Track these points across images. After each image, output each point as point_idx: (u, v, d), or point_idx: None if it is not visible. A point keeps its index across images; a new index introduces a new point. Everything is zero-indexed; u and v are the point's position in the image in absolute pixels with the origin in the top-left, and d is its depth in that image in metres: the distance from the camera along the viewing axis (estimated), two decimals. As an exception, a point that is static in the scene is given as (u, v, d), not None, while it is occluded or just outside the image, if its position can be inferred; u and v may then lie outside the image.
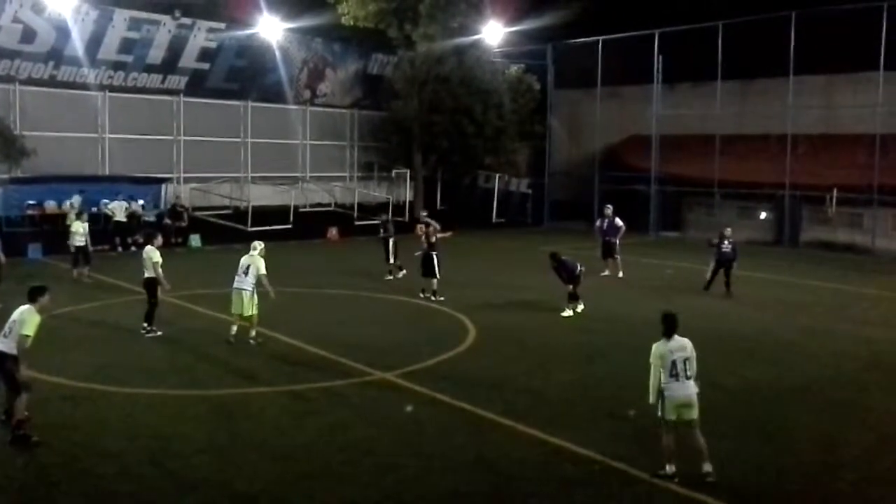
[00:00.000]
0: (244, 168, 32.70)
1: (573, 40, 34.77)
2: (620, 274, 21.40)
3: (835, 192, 28.16)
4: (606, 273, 21.43)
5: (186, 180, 30.83)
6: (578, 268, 16.48)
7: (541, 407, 10.55)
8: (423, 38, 32.10)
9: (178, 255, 22.69)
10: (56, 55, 27.54)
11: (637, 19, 31.62)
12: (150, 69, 29.97)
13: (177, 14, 29.59)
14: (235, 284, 13.55)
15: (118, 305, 16.84)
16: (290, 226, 29.21)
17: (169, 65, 30.33)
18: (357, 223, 31.26)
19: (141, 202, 26.86)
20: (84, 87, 28.40)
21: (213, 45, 31.02)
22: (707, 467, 8.07)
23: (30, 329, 8.92)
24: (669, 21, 30.83)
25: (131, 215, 25.81)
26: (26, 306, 9.20)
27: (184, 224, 27.24)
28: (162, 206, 28.29)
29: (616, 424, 9.83)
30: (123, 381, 11.25)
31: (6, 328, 9.14)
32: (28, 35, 26.72)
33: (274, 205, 31.04)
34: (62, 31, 27.08)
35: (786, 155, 29.02)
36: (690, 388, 8.16)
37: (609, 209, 22.64)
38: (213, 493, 7.83)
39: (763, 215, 31.67)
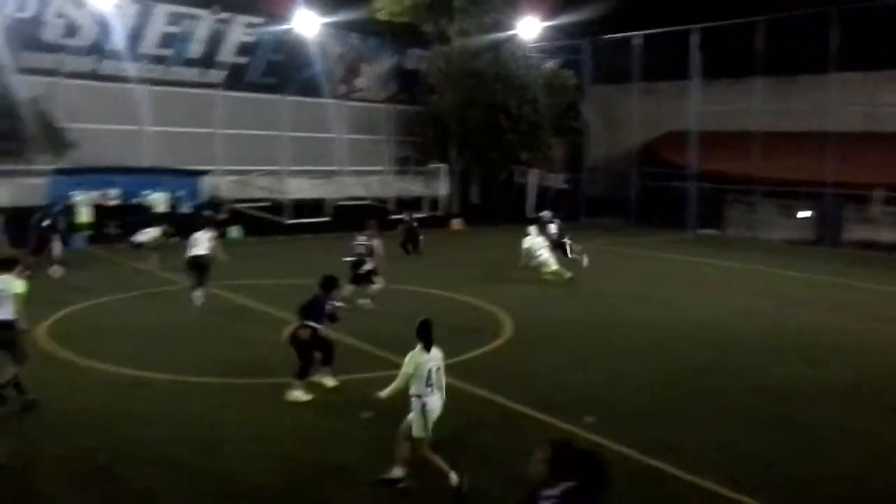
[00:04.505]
0: (282, 161, 33.01)
1: (609, 35, 34.53)
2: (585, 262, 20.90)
3: (881, 191, 27.64)
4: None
5: (225, 173, 31.22)
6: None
7: (578, 403, 10.53)
8: (458, 34, 32.13)
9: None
10: (98, 49, 28.07)
11: (674, 14, 31.29)
12: (189, 63, 30.44)
13: (215, 9, 29.97)
14: None
15: (160, 294, 17.13)
16: (327, 218, 29.43)
17: (208, 59, 30.76)
18: (394, 217, 31.36)
19: (180, 194, 27.29)
20: (125, 80, 28.88)
21: (251, 39, 31.38)
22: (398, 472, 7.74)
23: (20, 288, 9.59)
24: (707, 16, 30.45)
25: (171, 207, 26.23)
26: (4, 275, 9.65)
27: (223, 216, 27.59)
28: (201, 198, 28.70)
29: (650, 420, 9.78)
30: (167, 369, 11.42)
31: None
32: (71, 29, 27.26)
33: (311, 198, 31.34)
34: (104, 26, 27.59)
35: (827, 153, 28.55)
36: (441, 399, 7.75)
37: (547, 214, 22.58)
38: (255, 480, 7.95)
39: (804, 214, 31.20)
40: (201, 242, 15.58)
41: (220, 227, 27.13)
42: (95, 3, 26.58)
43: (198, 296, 15.39)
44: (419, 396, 7.61)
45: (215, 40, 30.51)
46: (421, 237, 23.52)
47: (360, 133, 35.65)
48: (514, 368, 12.16)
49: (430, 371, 7.67)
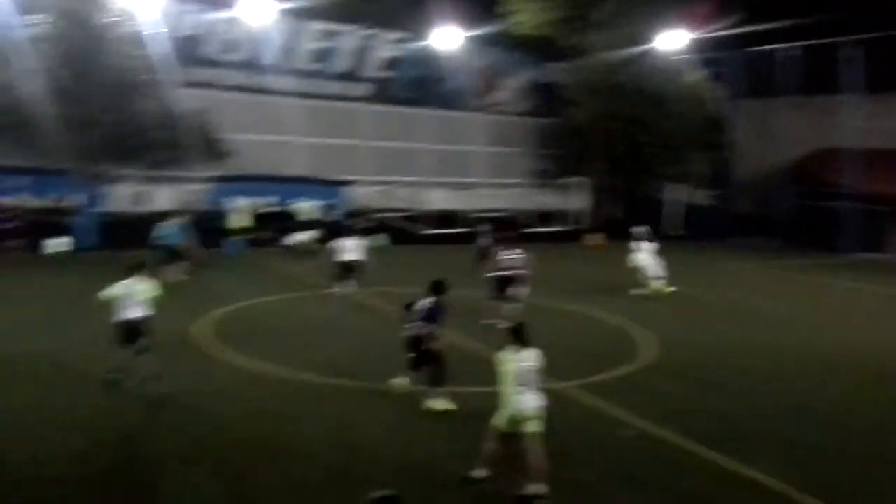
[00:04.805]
0: (422, 172, 33.70)
1: (758, 47, 33.08)
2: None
3: None
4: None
5: (369, 183, 32.24)
6: None
7: (724, 432, 10.09)
8: (598, 46, 31.80)
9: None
10: (254, 64, 29.72)
11: (830, 25, 29.55)
12: (338, 77, 31.70)
13: (363, 25, 31.08)
14: None
15: (309, 298, 17.85)
16: (465, 230, 29.78)
17: (355, 73, 31.95)
18: (530, 230, 31.41)
19: (328, 203, 28.46)
20: (278, 93, 30.41)
21: (395, 54, 32.32)
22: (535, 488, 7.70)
23: (152, 290, 10.99)
24: (867, 27, 28.56)
25: (319, 215, 27.39)
26: (132, 279, 10.92)
27: (366, 224, 28.50)
28: (346, 206, 29.77)
29: (798, 454, 9.24)
30: (314, 370, 11.86)
31: (131, 298, 10.80)
32: (230, 46, 29.02)
33: (449, 209, 31.84)
34: (260, 42, 29.21)
35: None
36: (538, 400, 7.89)
37: (643, 230, 20.99)
38: (393, 486, 8.07)
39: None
40: (352, 248, 17.07)
41: (364, 234, 28.18)
42: (252, 21, 28.16)
43: (344, 293, 16.59)
44: (508, 394, 7.85)
45: (362, 55, 31.67)
46: (492, 254, 21.63)
47: (497, 145, 35.87)
48: (654, 389, 11.82)
49: (521, 371, 7.88)
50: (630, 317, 16.73)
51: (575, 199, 35.57)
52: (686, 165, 34.41)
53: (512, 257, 15.49)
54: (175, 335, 13.55)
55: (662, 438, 9.68)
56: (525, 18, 31.72)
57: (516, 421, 7.86)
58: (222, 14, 27.98)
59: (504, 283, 15.26)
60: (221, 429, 9.48)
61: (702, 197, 36.54)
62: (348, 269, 17.03)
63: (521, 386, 7.85)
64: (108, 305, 10.77)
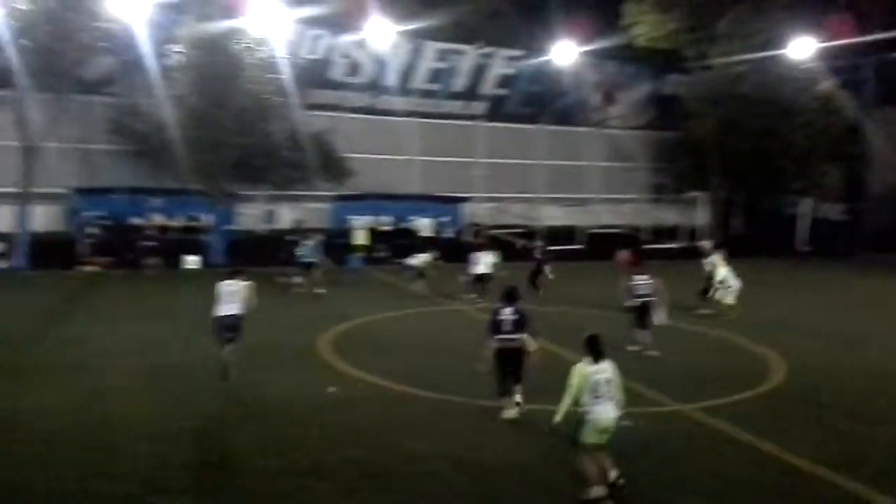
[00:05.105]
0: (536, 188, 33.68)
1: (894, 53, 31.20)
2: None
3: None
4: None
5: (483, 200, 32.51)
6: None
7: (861, 459, 9.54)
8: (721, 56, 30.87)
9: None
10: (375, 86, 30.64)
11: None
12: (454, 96, 32.22)
13: (479, 44, 31.47)
14: None
15: (427, 314, 18.16)
16: (580, 246, 29.53)
17: (471, 91, 32.37)
18: (648, 246, 30.77)
19: (443, 219, 28.91)
20: (397, 114, 31.22)
21: (510, 71, 32.51)
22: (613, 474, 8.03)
23: (247, 291, 12.19)
24: None
25: (435, 232, 27.85)
26: (236, 280, 12.30)
27: (480, 241, 28.72)
28: (460, 223, 30.14)
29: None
30: (431, 387, 11.99)
31: (228, 298, 12.08)
32: (353, 68, 30.04)
33: (564, 225, 31.67)
34: (381, 64, 30.09)
35: None
36: (614, 412, 7.95)
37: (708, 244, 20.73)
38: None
39: None
40: (483, 261, 18.93)
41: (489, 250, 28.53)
42: (375, 44, 29.04)
43: (480, 305, 17.55)
44: (586, 407, 7.92)
45: (478, 74, 32.06)
46: (548, 272, 20.96)
47: (613, 160, 35.42)
48: (787, 414, 11.31)
49: (597, 382, 7.95)
50: (755, 337, 16.08)
51: (693, 214, 34.56)
52: (816, 178, 32.82)
53: (645, 283, 14.83)
54: (303, 347, 14.25)
55: (789, 463, 9.26)
56: (645, 30, 31.25)
57: (597, 431, 7.92)
58: (347, 38, 29.00)
59: (642, 312, 14.59)
60: (336, 443, 9.71)
61: (831, 211, 34.69)
62: (483, 279, 19.05)
63: (598, 398, 7.94)
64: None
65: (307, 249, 21.00)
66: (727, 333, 16.77)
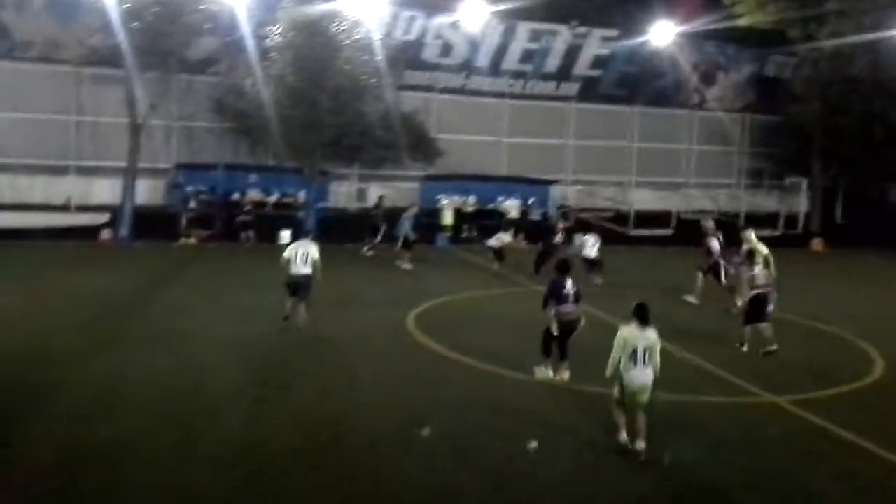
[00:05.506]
0: (628, 172, 33.08)
1: None
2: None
3: None
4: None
5: (573, 182, 32.16)
6: None
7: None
8: (829, 36, 29.48)
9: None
10: (467, 66, 30.65)
11: None
12: (546, 77, 31.89)
13: (573, 24, 30.99)
14: None
15: (510, 295, 18.22)
16: (670, 231, 28.88)
17: (563, 72, 31.94)
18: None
19: (531, 201, 28.78)
20: (488, 94, 31.14)
21: (605, 52, 31.91)
22: (640, 444, 8.62)
23: (317, 252, 13.65)
24: None
25: (523, 213, 27.78)
26: (307, 240, 14.04)
27: (570, 224, 28.44)
28: (549, 206, 29.93)
29: None
30: (514, 366, 12.03)
31: (300, 258, 13.55)
32: (446, 49, 30.12)
33: (655, 209, 31.02)
34: (473, 45, 30.06)
35: None
36: (647, 376, 8.63)
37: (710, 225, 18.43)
38: (575, 492, 8.13)
39: None
40: (590, 245, 19.12)
41: (568, 234, 28.19)
42: (468, 24, 29.01)
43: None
44: (622, 369, 8.69)
45: (571, 54, 31.58)
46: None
47: (710, 144, 34.43)
48: (884, 410, 10.88)
49: (636, 348, 8.63)
50: (860, 331, 15.45)
51: (793, 201, 33.25)
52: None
53: (766, 275, 13.83)
54: (390, 322, 14.69)
55: (884, 459, 8.94)
56: (748, 9, 30.07)
57: (629, 393, 8.68)
58: (441, 19, 29.09)
59: (761, 304, 13.44)
60: (427, 418, 9.91)
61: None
62: (590, 262, 19.30)
63: (633, 361, 8.64)
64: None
65: (403, 224, 21.70)
66: (823, 324, 16.18)
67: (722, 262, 17.59)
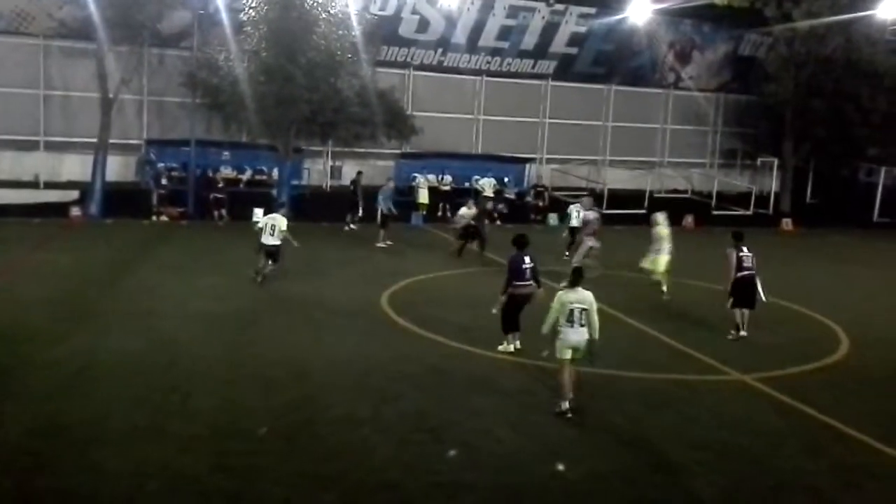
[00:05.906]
0: (602, 151, 33.19)
1: None
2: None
3: None
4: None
5: (548, 161, 32.20)
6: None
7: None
8: (804, 16, 29.64)
9: (536, 232, 23.79)
10: (444, 43, 30.43)
11: None
12: (522, 55, 31.77)
13: (551, 1, 30.84)
14: None
15: (483, 273, 18.23)
16: (644, 211, 29.02)
17: (540, 50, 31.84)
18: (715, 212, 30.16)
19: (506, 179, 28.80)
20: (464, 72, 30.99)
21: (582, 30, 31.83)
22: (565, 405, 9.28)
23: (284, 224, 15.20)
24: None
25: (497, 192, 27.78)
26: (277, 214, 15.56)
27: (544, 203, 28.56)
28: (524, 184, 29.97)
29: None
30: (484, 344, 12.10)
31: (269, 230, 15.15)
32: (423, 25, 29.86)
33: (629, 189, 31.17)
34: (450, 21, 29.83)
35: None
36: (582, 335, 9.23)
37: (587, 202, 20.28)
38: (547, 470, 8.24)
39: None
40: (591, 222, 18.88)
41: (539, 213, 28.18)
42: (445, 0, 28.72)
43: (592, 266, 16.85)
44: (560, 328, 9.27)
45: (549, 32, 31.45)
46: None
47: (684, 123, 34.63)
48: (848, 389, 11.11)
49: (572, 310, 9.21)
50: (827, 310, 15.72)
51: (764, 181, 33.60)
52: (896, 146, 31.46)
53: (750, 256, 13.38)
54: (363, 301, 14.69)
55: (848, 435, 9.15)
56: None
57: (563, 349, 9.25)
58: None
59: (749, 288, 13.16)
60: (396, 396, 10.00)
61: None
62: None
63: (569, 322, 9.21)
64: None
65: (381, 197, 22.09)
66: (790, 302, 16.40)
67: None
